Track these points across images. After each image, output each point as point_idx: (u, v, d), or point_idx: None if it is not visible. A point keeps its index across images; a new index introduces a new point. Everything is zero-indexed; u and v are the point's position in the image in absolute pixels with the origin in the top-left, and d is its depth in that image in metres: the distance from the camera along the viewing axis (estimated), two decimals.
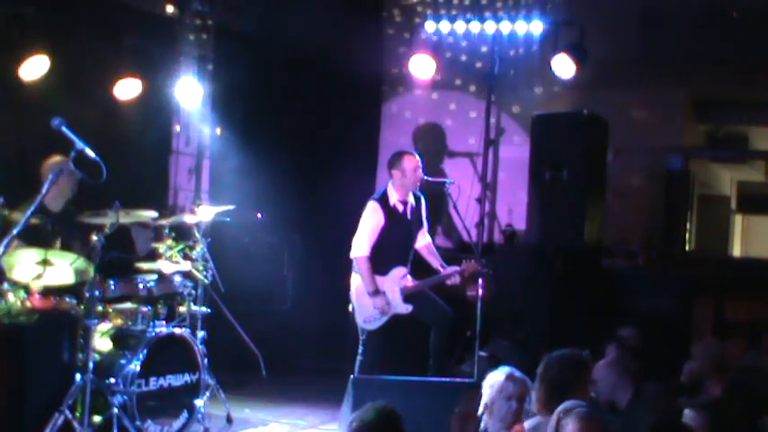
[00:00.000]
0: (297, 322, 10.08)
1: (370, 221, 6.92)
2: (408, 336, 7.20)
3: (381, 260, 6.95)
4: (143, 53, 8.57)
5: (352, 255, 6.92)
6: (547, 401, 4.42)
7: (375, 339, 6.93)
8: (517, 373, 4.70)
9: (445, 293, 8.34)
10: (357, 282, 6.95)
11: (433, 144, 11.13)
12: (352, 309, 6.97)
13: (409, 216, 7.07)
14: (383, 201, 6.97)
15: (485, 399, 4.70)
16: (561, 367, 4.57)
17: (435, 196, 10.01)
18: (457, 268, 7.06)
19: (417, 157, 7.07)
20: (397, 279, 6.99)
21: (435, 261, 7.25)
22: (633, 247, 10.09)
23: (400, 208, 7.00)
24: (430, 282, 7.14)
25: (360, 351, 6.94)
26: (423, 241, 7.29)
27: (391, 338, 7.01)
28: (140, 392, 6.20)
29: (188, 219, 7.24)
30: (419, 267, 7.31)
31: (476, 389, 4.85)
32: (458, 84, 11.21)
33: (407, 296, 6.99)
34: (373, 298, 6.85)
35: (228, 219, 7.57)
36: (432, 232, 7.74)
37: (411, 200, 7.10)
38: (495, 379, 4.71)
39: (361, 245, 6.90)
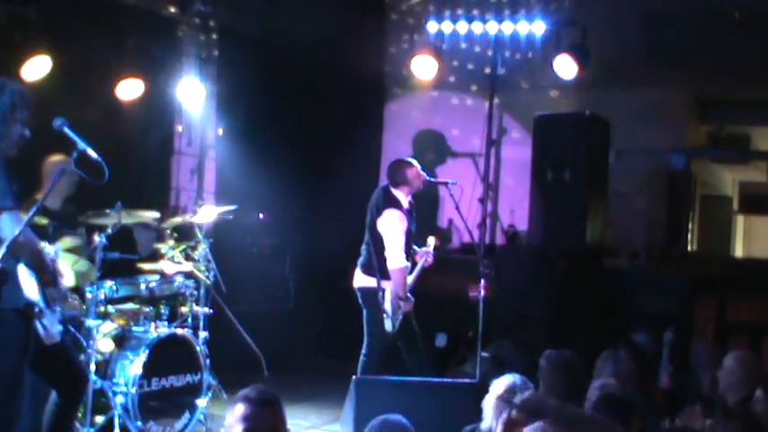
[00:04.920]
0: (299, 323, 10.09)
1: (399, 229, 6.82)
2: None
3: None
4: (145, 53, 8.58)
5: (393, 266, 6.77)
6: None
7: (383, 340, 6.90)
8: (518, 397, 4.55)
9: (446, 294, 8.35)
10: (388, 288, 6.85)
11: (435, 145, 11.14)
12: (386, 316, 6.82)
13: (414, 214, 7.08)
14: (400, 206, 6.92)
15: (487, 403, 4.65)
16: (558, 369, 4.54)
17: (435, 196, 10.04)
18: (427, 249, 7.09)
19: (415, 162, 7.04)
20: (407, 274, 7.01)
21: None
22: (635, 247, 10.09)
23: (409, 207, 7.01)
24: (418, 274, 7.12)
25: (364, 351, 6.91)
26: None
27: (394, 339, 6.99)
28: (142, 393, 6.21)
29: (190, 219, 7.24)
30: None
31: None
32: (460, 84, 11.21)
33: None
34: (404, 302, 6.83)
35: (231, 217, 7.55)
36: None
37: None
38: (496, 392, 4.62)
39: (399, 255, 6.79)
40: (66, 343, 4.95)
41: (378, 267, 6.82)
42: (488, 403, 4.62)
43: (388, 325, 6.80)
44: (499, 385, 4.62)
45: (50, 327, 4.63)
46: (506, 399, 4.48)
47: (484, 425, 4.67)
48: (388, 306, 6.79)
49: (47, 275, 4.65)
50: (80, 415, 5.91)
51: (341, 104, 10.58)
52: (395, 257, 6.80)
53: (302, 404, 7.95)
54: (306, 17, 9.64)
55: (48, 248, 4.94)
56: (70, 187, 6.52)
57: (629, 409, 4.43)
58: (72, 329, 6.02)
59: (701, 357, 6.30)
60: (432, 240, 7.21)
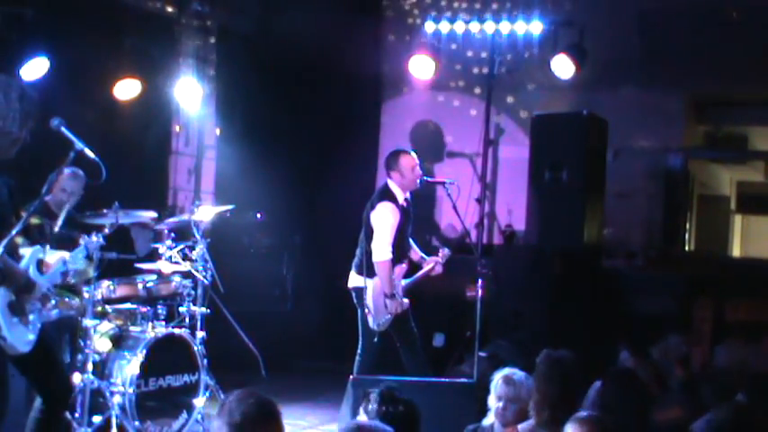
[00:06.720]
0: (296, 322, 10.09)
1: (389, 222, 6.76)
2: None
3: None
4: (143, 54, 8.59)
5: (376, 259, 6.71)
6: (538, 406, 4.41)
7: (376, 339, 6.90)
8: (516, 376, 4.66)
9: (444, 294, 8.33)
10: (372, 284, 6.81)
11: (432, 144, 11.14)
12: (368, 312, 6.82)
13: (410, 212, 7.06)
14: (394, 200, 6.86)
15: (491, 401, 4.70)
16: (553, 373, 4.57)
17: (433, 197, 10.02)
18: (437, 258, 7.08)
19: (414, 154, 6.98)
20: (400, 276, 6.98)
21: (416, 254, 7.24)
22: (633, 247, 10.09)
23: (405, 205, 6.98)
24: (419, 277, 7.11)
25: (359, 351, 6.91)
26: None
27: (391, 338, 6.99)
28: (140, 393, 6.20)
29: (187, 219, 7.24)
30: None
31: None
32: (457, 84, 11.23)
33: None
34: (390, 301, 6.76)
35: (229, 214, 7.54)
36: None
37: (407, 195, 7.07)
38: (495, 378, 4.72)
39: (385, 248, 6.73)
40: (46, 351, 4.82)
41: (365, 264, 6.82)
42: (492, 400, 4.69)
43: (370, 322, 6.79)
44: (498, 374, 4.72)
45: (12, 338, 4.53)
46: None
47: (486, 422, 4.71)
48: (370, 302, 6.77)
49: (16, 284, 4.57)
50: (77, 415, 5.91)
51: (338, 105, 10.59)
52: (380, 249, 6.73)
53: (300, 404, 7.96)
54: (303, 17, 9.65)
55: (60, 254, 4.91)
56: (71, 196, 6.52)
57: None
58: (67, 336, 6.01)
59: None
60: (445, 252, 7.18)
